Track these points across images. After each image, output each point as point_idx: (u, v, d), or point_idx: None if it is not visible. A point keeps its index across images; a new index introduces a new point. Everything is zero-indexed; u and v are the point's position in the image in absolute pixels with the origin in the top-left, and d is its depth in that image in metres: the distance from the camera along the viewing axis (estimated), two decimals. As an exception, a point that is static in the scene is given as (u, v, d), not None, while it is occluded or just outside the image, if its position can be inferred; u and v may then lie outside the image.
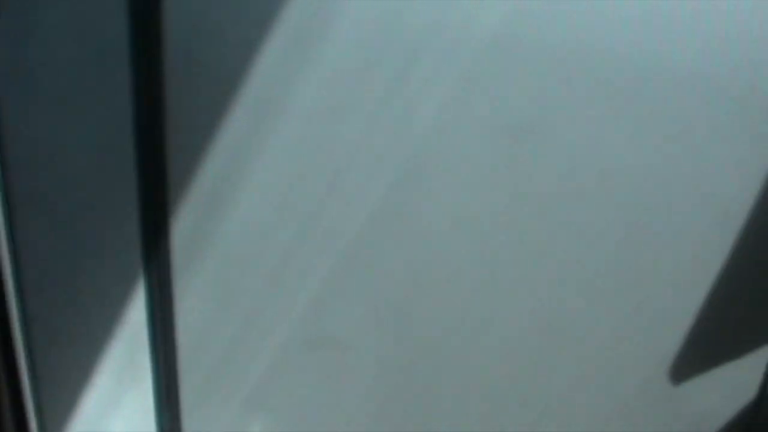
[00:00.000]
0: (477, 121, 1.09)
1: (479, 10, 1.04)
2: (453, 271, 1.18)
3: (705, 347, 1.23)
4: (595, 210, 1.13)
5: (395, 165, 1.12)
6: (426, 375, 1.26)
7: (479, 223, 1.15)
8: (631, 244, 1.16)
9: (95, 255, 1.19)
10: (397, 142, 1.10)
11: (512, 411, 1.28)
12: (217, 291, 1.21)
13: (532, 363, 1.24)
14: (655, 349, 1.22)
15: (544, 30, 1.04)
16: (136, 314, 1.22)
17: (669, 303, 1.20)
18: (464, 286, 1.19)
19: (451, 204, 1.15)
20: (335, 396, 1.29)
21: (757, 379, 1.26)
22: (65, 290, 1.21)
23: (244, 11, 1.07)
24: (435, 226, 1.15)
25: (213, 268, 1.19)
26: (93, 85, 1.12)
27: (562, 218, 1.14)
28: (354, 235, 1.17)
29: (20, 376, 1.23)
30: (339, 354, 1.24)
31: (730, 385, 1.26)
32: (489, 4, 1.04)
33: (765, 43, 1.06)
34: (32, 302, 1.18)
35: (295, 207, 1.16)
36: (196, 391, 1.29)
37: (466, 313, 1.21)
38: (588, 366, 1.24)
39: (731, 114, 1.09)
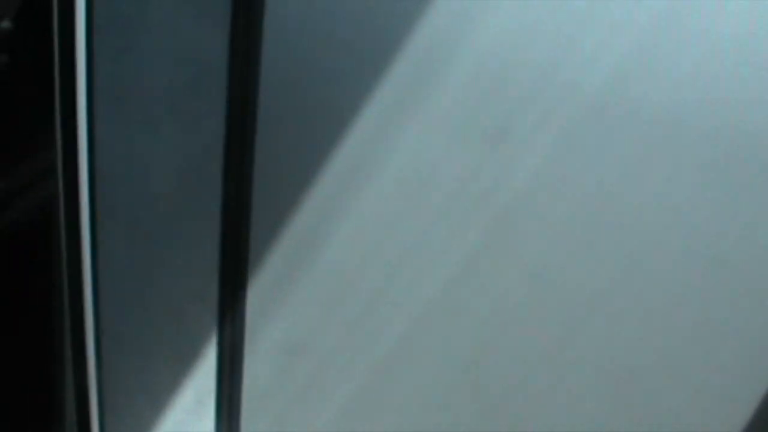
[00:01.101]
0: (572, 181, 1.11)
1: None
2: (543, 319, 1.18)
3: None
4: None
5: (487, 220, 1.14)
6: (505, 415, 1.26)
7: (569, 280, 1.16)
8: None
9: (173, 276, 1.21)
10: (492, 195, 1.12)
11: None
12: (291, 340, 1.23)
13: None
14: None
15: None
16: (206, 366, 1.24)
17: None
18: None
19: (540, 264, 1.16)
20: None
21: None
22: (140, 307, 1.23)
23: (348, 57, 1.10)
24: (525, 283, 1.15)
25: (288, 315, 1.22)
26: (187, 110, 1.15)
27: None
28: (439, 290, 1.19)
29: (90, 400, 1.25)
30: (417, 411, 1.25)
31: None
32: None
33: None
34: (106, 317, 1.20)
35: (378, 260, 1.17)
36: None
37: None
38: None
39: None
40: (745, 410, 1.15)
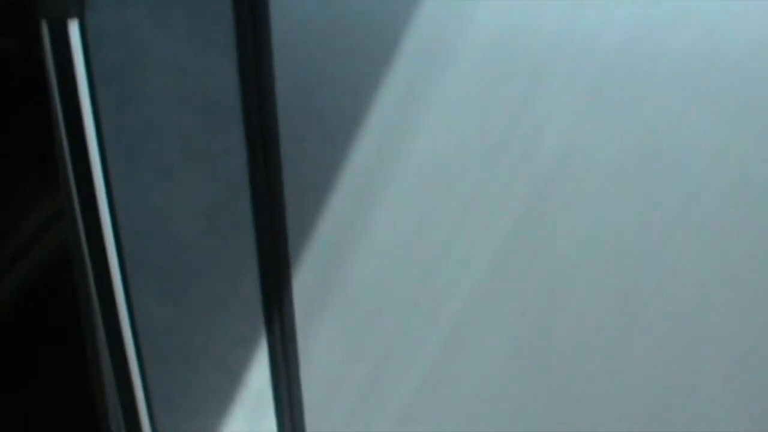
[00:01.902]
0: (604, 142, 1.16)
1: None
2: (586, 299, 1.21)
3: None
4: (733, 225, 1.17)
5: (520, 201, 1.17)
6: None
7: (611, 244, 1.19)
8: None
9: (213, 319, 1.16)
10: (522, 174, 1.15)
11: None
12: (342, 345, 1.21)
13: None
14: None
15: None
16: (258, 377, 1.19)
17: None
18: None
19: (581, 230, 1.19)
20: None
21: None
22: (184, 359, 1.16)
23: (357, 63, 1.11)
24: (565, 259, 1.19)
25: (336, 322, 1.19)
26: (202, 147, 1.12)
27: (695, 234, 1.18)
28: (481, 277, 1.20)
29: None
30: (472, 400, 1.25)
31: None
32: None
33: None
34: (151, 373, 1.13)
35: (418, 252, 1.18)
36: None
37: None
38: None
39: None
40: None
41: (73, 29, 1.04)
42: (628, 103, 1.10)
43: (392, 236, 1.18)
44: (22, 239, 1.49)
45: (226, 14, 1.08)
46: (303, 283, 1.17)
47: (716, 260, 1.16)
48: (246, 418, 1.22)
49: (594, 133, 1.12)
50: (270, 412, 1.22)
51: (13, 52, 1.52)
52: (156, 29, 1.09)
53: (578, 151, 1.13)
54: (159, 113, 1.11)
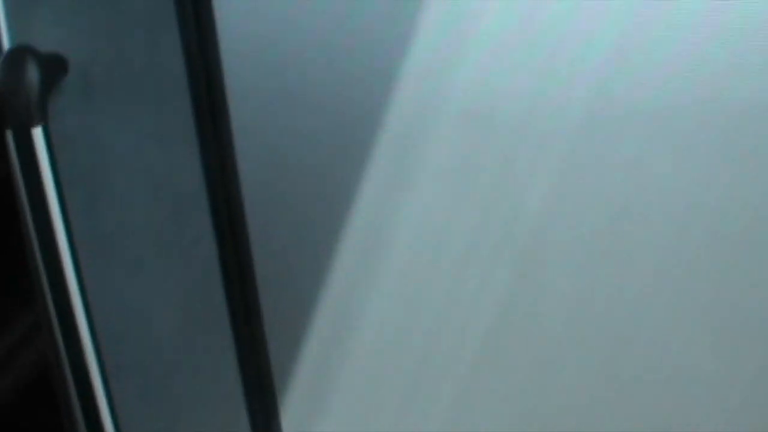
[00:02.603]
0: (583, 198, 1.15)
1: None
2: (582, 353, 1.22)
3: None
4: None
5: (510, 257, 1.17)
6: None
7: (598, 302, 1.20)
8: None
9: (196, 412, 1.16)
10: (510, 230, 1.16)
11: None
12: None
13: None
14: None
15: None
16: None
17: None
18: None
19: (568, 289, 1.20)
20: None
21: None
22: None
23: (322, 147, 1.13)
24: (557, 314, 1.19)
25: (323, 404, 1.20)
26: (173, 240, 1.14)
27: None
28: (477, 349, 1.21)
29: None
30: None
31: None
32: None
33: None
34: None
35: (409, 333, 1.19)
36: None
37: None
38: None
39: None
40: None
41: (38, 136, 1.06)
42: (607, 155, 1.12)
43: (386, 317, 1.18)
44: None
45: (186, 107, 1.11)
46: (283, 366, 1.17)
47: (708, 317, 1.17)
48: None
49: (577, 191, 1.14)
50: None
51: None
52: (118, 129, 1.11)
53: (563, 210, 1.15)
54: (128, 210, 1.13)
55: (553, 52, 1.09)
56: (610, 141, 1.11)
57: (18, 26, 1.08)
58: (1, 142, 1.08)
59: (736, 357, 1.19)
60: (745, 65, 1.07)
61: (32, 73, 1.04)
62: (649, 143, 1.11)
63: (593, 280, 1.16)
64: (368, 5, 1.09)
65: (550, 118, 1.11)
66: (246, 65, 1.11)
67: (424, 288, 1.17)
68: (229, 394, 1.17)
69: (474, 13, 1.08)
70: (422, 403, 1.22)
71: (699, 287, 1.15)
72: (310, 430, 1.21)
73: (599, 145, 1.12)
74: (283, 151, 1.13)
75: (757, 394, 1.20)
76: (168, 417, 1.17)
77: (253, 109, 1.12)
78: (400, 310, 1.18)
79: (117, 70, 1.09)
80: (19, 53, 1.04)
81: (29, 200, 1.09)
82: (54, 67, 1.08)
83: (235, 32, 1.10)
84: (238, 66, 1.11)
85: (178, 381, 1.16)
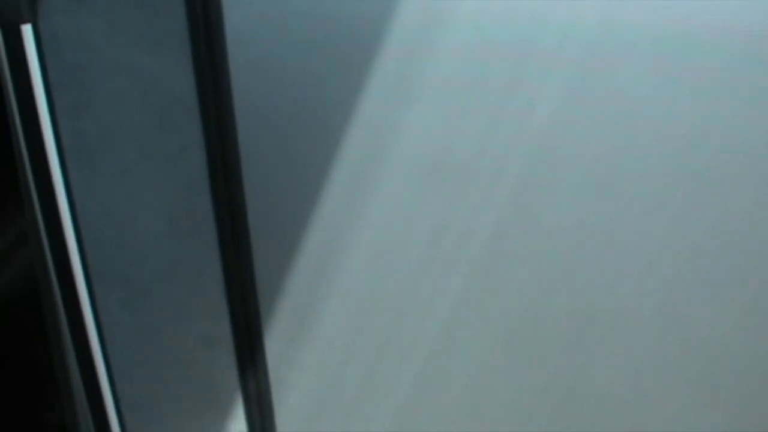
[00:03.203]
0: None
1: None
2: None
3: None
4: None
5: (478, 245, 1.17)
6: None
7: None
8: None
9: (178, 322, 1.15)
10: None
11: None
12: (309, 337, 1.20)
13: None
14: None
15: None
16: (226, 378, 1.18)
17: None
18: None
19: None
20: None
21: None
22: (151, 363, 1.15)
23: (313, 59, 1.12)
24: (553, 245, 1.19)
25: (302, 312, 1.19)
26: (160, 147, 1.12)
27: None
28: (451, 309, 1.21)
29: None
30: None
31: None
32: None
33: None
34: (119, 379, 1.12)
35: (384, 303, 1.19)
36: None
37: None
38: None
39: None
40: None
41: (27, 33, 1.04)
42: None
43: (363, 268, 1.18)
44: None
45: (179, 14, 1.08)
46: (266, 279, 1.17)
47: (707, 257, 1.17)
48: (215, 421, 1.21)
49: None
50: (240, 413, 1.21)
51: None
52: (109, 32, 1.08)
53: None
54: (116, 115, 1.11)
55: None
56: (613, 68, 1.10)
57: None
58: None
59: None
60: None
61: (23, -30, 1.02)
62: (653, 71, 1.10)
63: (591, 208, 1.15)
64: None
65: (556, 42, 1.10)
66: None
67: (422, 206, 1.16)
68: (213, 306, 1.16)
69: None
70: (407, 330, 1.22)
71: (698, 222, 1.15)
72: (293, 347, 1.21)
73: (603, 70, 1.10)
74: (277, 58, 1.11)
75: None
76: (149, 325, 1.16)
77: (248, 15, 1.10)
78: (391, 233, 1.17)
79: (109, -30, 1.07)
80: (11, -52, 1.02)
81: (17, 97, 1.07)
82: (46, -36, 1.06)
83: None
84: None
85: (161, 289, 1.15)
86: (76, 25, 1.08)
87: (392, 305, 1.20)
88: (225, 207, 1.14)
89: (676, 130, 1.11)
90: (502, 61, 1.09)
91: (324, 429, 1.24)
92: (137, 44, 1.09)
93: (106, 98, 1.10)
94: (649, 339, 1.19)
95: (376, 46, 1.10)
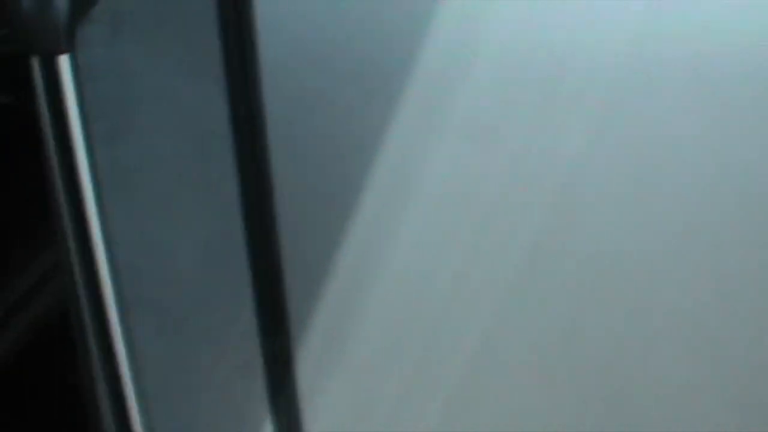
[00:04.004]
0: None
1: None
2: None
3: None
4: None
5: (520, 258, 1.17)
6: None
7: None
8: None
9: (212, 350, 1.15)
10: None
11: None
12: (344, 375, 1.20)
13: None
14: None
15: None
16: (257, 407, 1.18)
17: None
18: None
19: None
20: None
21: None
22: (184, 391, 1.15)
23: (348, 87, 1.12)
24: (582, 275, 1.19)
25: (337, 346, 1.19)
26: (197, 177, 1.13)
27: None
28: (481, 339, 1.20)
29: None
30: None
31: None
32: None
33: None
34: (152, 408, 1.12)
35: (419, 319, 1.19)
36: None
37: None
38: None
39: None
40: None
41: (64, 64, 1.05)
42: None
43: (400, 278, 1.18)
44: (18, 295, 1.49)
45: (215, 44, 1.09)
46: (300, 308, 1.17)
47: (737, 279, 1.16)
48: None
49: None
50: (271, 440, 1.21)
51: (8, 105, 1.53)
52: (146, 61, 1.10)
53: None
54: (152, 145, 1.11)
55: (588, 6, 1.08)
56: (642, 98, 1.10)
57: (48, -48, 1.06)
58: (27, 71, 1.07)
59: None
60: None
61: (61, 0, 1.03)
62: (682, 101, 1.10)
63: (620, 237, 1.15)
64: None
65: (583, 74, 1.10)
66: (279, 2, 1.09)
67: (448, 242, 1.16)
68: (246, 335, 1.16)
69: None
70: (441, 353, 1.21)
71: (727, 250, 1.14)
72: (325, 375, 1.20)
73: (631, 102, 1.10)
74: (312, 90, 1.12)
75: None
76: (183, 353, 1.16)
77: (284, 48, 1.10)
78: (424, 260, 1.17)
79: (146, 1, 1.08)
80: (49, -21, 1.03)
81: (53, 129, 1.08)
82: (84, -5, 1.07)
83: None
84: (270, 3, 1.09)
85: (195, 320, 1.15)
86: (113, 54, 1.09)
87: (424, 333, 1.19)
88: (258, 237, 1.14)
89: (705, 166, 1.10)
90: (530, 95, 1.09)
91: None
92: (173, 74, 1.10)
93: (142, 127, 1.11)
94: (684, 362, 1.18)
95: (408, 79, 1.10)
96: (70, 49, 1.04)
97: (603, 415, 1.22)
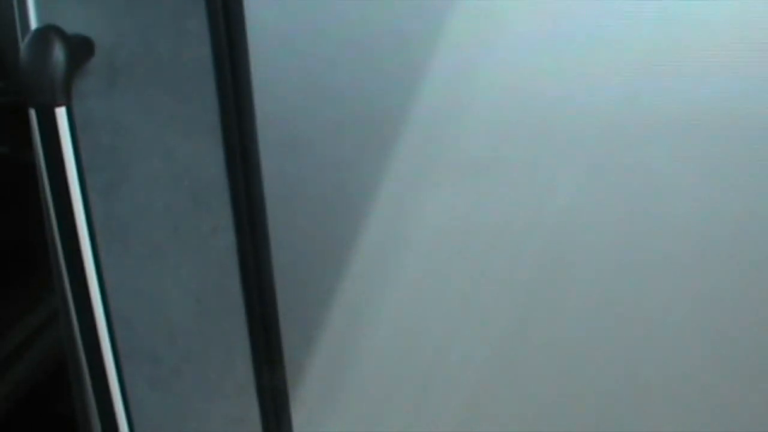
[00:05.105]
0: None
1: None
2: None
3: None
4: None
5: (522, 291, 1.17)
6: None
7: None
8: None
9: (207, 403, 1.15)
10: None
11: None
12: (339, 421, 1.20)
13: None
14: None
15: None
16: None
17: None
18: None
19: None
20: None
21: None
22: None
23: (342, 137, 1.13)
24: (577, 316, 1.19)
25: (333, 399, 1.19)
26: (191, 229, 1.13)
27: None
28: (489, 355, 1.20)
29: None
30: None
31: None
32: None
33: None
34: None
35: (426, 328, 1.19)
36: None
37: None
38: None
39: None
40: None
41: (61, 116, 1.06)
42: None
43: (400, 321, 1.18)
44: (15, 344, 1.49)
45: (210, 97, 1.10)
46: (295, 361, 1.17)
47: (730, 324, 1.17)
48: None
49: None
50: None
51: (4, 156, 1.54)
52: (142, 114, 1.11)
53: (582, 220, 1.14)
54: (148, 196, 1.12)
55: (581, 57, 1.09)
56: (633, 147, 1.11)
57: (46, 6, 1.08)
58: (24, 125, 1.08)
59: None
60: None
61: (58, 53, 1.04)
62: (673, 150, 1.11)
63: (613, 285, 1.15)
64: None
65: (575, 123, 1.11)
66: (272, 56, 1.10)
67: (443, 287, 1.16)
68: (241, 386, 1.16)
69: (501, 14, 1.08)
70: (437, 401, 1.21)
71: (720, 295, 1.14)
72: (321, 427, 1.20)
73: (623, 150, 1.11)
74: (305, 143, 1.13)
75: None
76: (177, 406, 1.16)
77: (278, 100, 1.11)
78: (417, 311, 1.17)
79: (142, 55, 1.09)
80: (46, 33, 1.04)
81: (50, 180, 1.09)
82: (80, 49, 1.08)
83: (263, 23, 1.10)
84: (264, 56, 1.10)
85: (189, 370, 1.15)
86: (108, 107, 1.10)
87: (418, 381, 1.19)
88: (254, 287, 1.15)
89: (697, 209, 1.11)
90: (522, 140, 1.10)
91: None
92: (169, 126, 1.11)
93: (138, 179, 1.12)
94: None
95: (400, 125, 1.11)
96: (67, 101, 1.05)
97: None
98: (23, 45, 1.03)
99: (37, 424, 1.37)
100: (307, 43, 1.09)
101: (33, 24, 1.08)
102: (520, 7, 1.07)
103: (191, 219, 1.13)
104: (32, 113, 1.05)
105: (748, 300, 1.16)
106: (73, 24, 1.07)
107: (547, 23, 1.08)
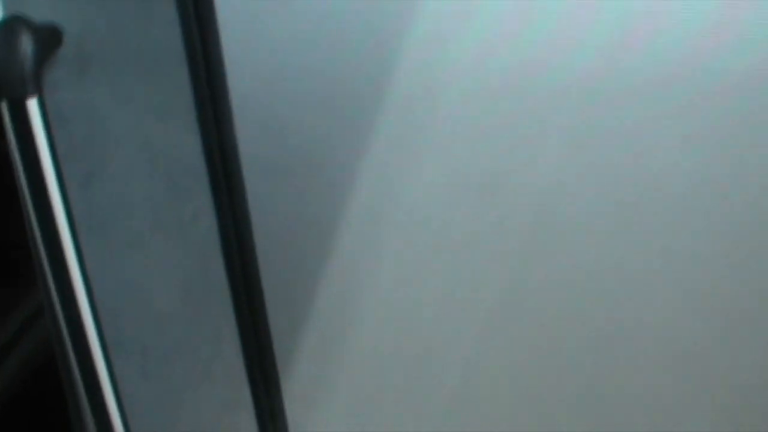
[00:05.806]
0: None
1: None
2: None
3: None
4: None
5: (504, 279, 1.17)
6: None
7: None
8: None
9: (198, 388, 1.14)
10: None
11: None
12: (329, 401, 1.19)
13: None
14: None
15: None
16: None
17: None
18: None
19: None
20: None
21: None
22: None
23: (318, 115, 1.12)
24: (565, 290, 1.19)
25: (322, 375, 1.18)
26: (172, 216, 1.12)
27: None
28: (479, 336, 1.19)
29: None
30: None
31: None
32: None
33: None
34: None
35: (416, 300, 1.18)
36: None
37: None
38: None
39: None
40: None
41: (33, 108, 1.04)
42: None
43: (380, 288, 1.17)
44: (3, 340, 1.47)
45: (184, 80, 1.09)
46: (283, 340, 1.16)
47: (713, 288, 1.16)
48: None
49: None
50: None
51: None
52: (115, 102, 1.09)
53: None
54: (127, 185, 1.10)
55: (561, 22, 1.08)
56: (614, 110, 1.11)
57: (11, -5, 1.06)
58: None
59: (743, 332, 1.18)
60: (753, 35, 1.06)
61: (26, 44, 1.02)
62: (653, 112, 1.10)
63: (602, 248, 1.15)
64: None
65: (555, 87, 1.10)
66: (245, 36, 1.09)
67: (431, 261, 1.15)
68: (231, 370, 1.15)
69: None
70: (431, 372, 1.20)
71: (705, 264, 1.14)
72: (312, 404, 1.19)
73: (603, 114, 1.11)
74: (282, 124, 1.12)
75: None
76: (169, 393, 1.15)
77: (252, 81, 1.10)
78: (404, 286, 1.16)
79: (112, 41, 1.07)
80: (13, 23, 1.02)
81: (26, 173, 1.07)
82: (48, 38, 1.06)
83: (233, 3, 1.08)
84: (236, 37, 1.09)
85: (179, 358, 1.14)
86: (81, 96, 1.08)
87: (409, 362, 1.19)
88: (238, 271, 1.14)
89: (679, 176, 1.11)
90: (503, 111, 1.09)
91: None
92: (144, 113, 1.10)
93: (115, 168, 1.10)
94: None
95: (378, 101, 1.10)
96: (38, 92, 1.03)
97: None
98: (-11, 37, 1.01)
99: (29, 420, 1.36)
100: (279, 22, 1.08)
101: (-1, 14, 1.06)
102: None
103: (172, 206, 1.11)
104: (3, 107, 1.03)
105: (731, 249, 1.15)
106: (39, 11, 1.05)
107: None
